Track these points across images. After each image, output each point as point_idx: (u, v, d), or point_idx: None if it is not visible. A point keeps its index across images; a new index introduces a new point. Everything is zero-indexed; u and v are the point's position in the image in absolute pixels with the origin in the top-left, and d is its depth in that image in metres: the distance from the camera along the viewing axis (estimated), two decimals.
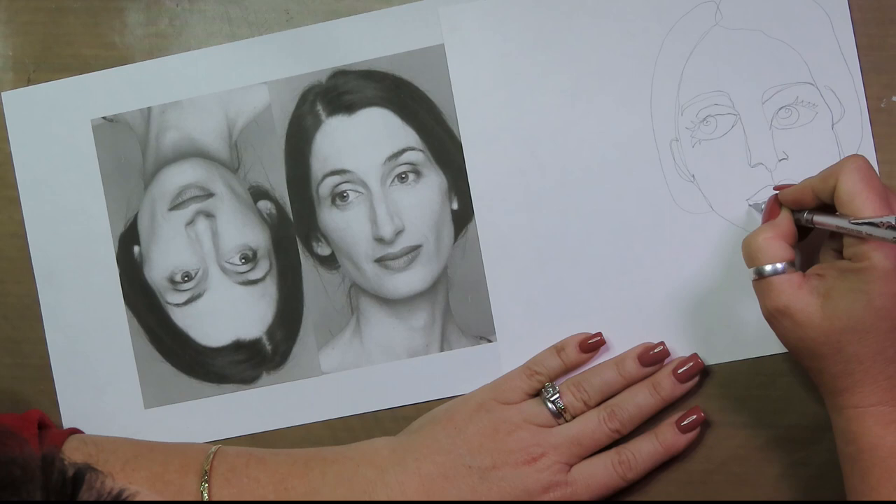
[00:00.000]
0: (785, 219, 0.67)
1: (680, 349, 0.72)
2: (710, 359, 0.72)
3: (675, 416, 0.71)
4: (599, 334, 0.72)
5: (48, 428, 0.73)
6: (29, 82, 0.78)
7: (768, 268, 0.64)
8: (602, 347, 0.73)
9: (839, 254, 0.64)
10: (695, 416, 0.71)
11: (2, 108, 0.78)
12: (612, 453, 0.70)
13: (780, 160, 0.72)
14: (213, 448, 0.72)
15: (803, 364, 0.66)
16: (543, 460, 0.69)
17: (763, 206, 0.70)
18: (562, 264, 0.74)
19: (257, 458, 0.72)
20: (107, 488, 0.43)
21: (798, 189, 0.67)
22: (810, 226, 0.66)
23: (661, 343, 0.72)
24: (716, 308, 0.73)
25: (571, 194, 0.74)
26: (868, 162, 0.63)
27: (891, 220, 0.59)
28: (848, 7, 0.72)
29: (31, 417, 0.71)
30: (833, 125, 0.72)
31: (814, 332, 0.63)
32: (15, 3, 0.78)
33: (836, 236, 0.65)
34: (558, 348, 0.73)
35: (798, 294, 0.63)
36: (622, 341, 0.73)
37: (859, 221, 0.61)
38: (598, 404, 0.71)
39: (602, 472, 0.70)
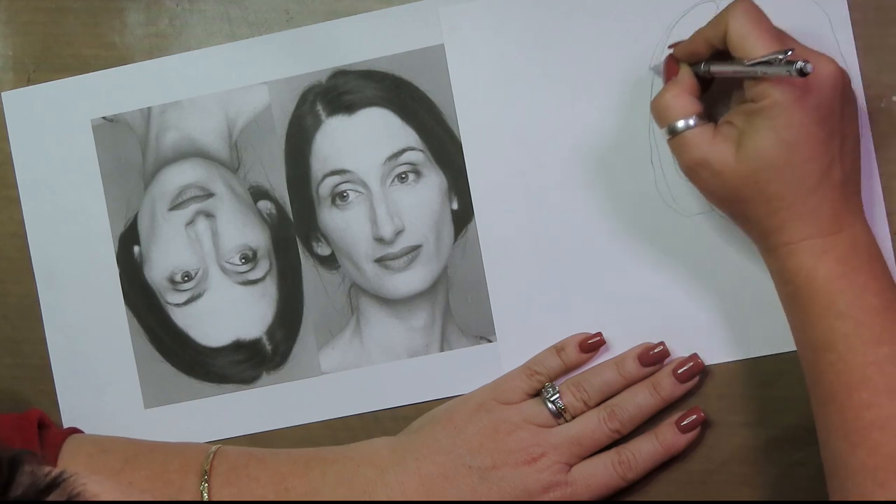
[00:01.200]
0: (685, 73, 0.68)
1: (680, 349, 0.72)
2: (710, 359, 0.72)
3: (675, 416, 0.71)
4: (599, 334, 0.72)
5: (48, 428, 0.73)
6: (29, 82, 0.78)
7: (680, 123, 0.66)
8: (602, 347, 0.73)
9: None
10: (695, 416, 0.71)
11: (2, 108, 0.78)
12: (612, 453, 0.70)
13: None
14: (213, 448, 0.72)
15: (729, 213, 0.67)
16: (543, 460, 0.69)
17: (662, 67, 0.71)
18: (562, 264, 0.74)
19: (257, 457, 0.72)
20: (44, 471, 0.43)
21: (691, 41, 0.68)
22: (709, 76, 0.67)
23: (661, 343, 0.72)
24: (716, 308, 0.73)
25: (571, 194, 0.74)
26: (755, 4, 0.64)
27: (782, 54, 0.60)
28: (848, 7, 0.72)
29: (31, 417, 0.71)
30: None
31: (733, 178, 0.64)
32: (15, 3, 0.78)
33: (741, 83, 0.65)
34: (558, 348, 0.73)
35: (712, 144, 0.64)
36: (622, 341, 0.73)
37: (754, 62, 0.62)
38: (598, 404, 0.71)
39: (602, 471, 0.70)
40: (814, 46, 0.66)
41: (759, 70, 0.62)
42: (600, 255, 0.74)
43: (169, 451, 0.72)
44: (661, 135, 0.68)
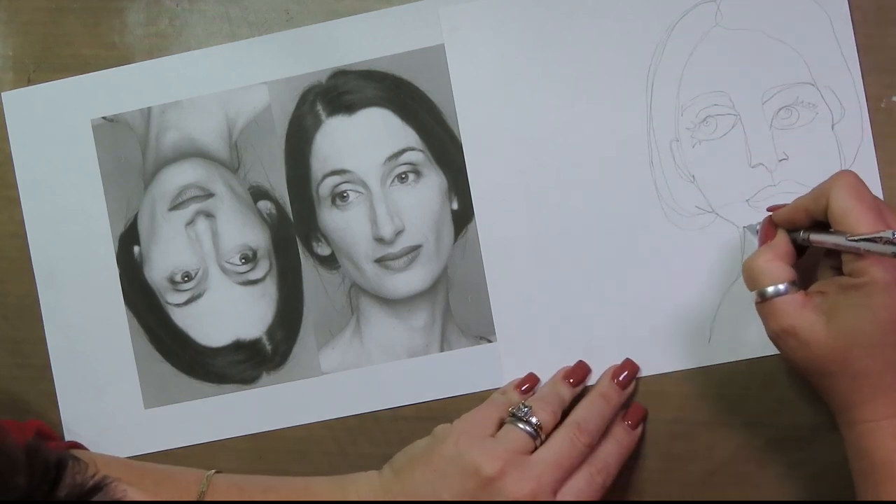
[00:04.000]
0: (782, 239, 0.67)
1: (680, 349, 0.72)
2: (711, 359, 0.72)
3: (622, 416, 0.72)
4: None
5: (46, 441, 0.72)
6: (29, 82, 0.78)
7: (770, 289, 0.64)
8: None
9: (837, 270, 0.64)
10: (639, 414, 0.72)
11: (2, 108, 0.78)
12: (586, 466, 0.69)
13: (781, 160, 0.72)
14: (209, 473, 0.71)
15: (812, 382, 0.65)
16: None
17: (757, 227, 0.70)
18: (562, 264, 0.74)
19: (250, 481, 0.71)
20: (89, 474, 0.44)
21: (791, 209, 0.67)
22: (807, 244, 0.66)
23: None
24: (715, 307, 0.73)
25: (571, 194, 0.74)
26: (857, 177, 0.63)
27: (888, 234, 0.59)
28: (848, 7, 0.72)
29: (29, 428, 0.71)
30: (833, 125, 0.72)
31: (821, 351, 0.62)
32: (15, 3, 0.78)
33: (834, 252, 0.64)
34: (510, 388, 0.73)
35: (802, 313, 0.63)
36: (622, 341, 0.73)
37: (856, 238, 0.61)
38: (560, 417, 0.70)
39: (586, 486, 0.68)
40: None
41: (863, 247, 0.60)
42: (600, 254, 0.74)
43: (160, 481, 0.72)
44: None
